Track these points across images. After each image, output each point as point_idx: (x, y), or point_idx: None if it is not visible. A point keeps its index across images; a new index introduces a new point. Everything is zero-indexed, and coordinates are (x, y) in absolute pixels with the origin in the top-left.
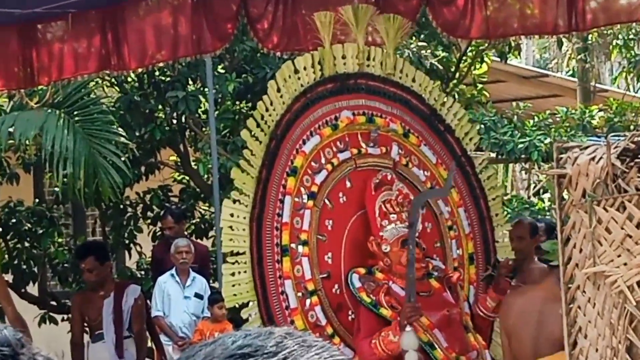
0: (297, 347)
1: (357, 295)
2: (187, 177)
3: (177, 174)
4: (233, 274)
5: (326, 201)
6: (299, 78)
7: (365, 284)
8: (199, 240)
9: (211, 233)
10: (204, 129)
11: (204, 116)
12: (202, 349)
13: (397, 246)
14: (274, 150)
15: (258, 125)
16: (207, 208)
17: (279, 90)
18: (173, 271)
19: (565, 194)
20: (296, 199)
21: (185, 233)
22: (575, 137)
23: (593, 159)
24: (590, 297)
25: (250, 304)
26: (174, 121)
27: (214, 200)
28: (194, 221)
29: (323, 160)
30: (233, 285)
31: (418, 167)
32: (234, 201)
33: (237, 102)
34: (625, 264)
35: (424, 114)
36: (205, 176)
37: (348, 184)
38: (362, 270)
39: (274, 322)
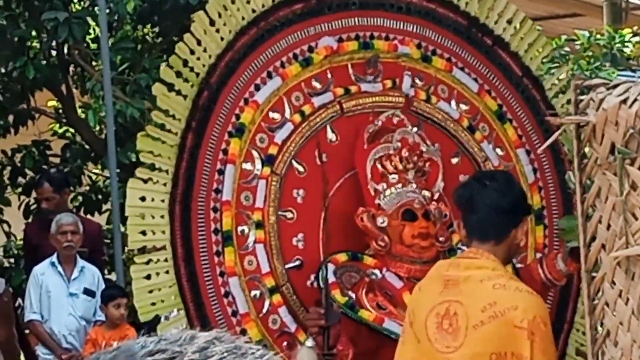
0: (227, 354)
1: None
2: (72, 130)
3: (58, 125)
4: (148, 277)
5: (294, 165)
6: (248, 1)
7: (344, 276)
8: (88, 217)
9: (106, 206)
10: (94, 63)
11: (93, 46)
12: (100, 357)
13: (397, 218)
14: (207, 106)
15: (179, 75)
16: (99, 172)
17: (212, 22)
18: (54, 258)
19: (587, 150)
20: (244, 167)
21: (70, 206)
22: (601, 71)
23: (625, 101)
24: (621, 290)
25: (174, 313)
26: (53, 53)
27: (108, 160)
28: (81, 190)
29: (287, 110)
30: (150, 292)
31: (447, 101)
32: (145, 181)
33: (139, 27)
34: None
35: (459, 27)
36: (97, 128)
37: (331, 137)
38: (343, 257)
39: None
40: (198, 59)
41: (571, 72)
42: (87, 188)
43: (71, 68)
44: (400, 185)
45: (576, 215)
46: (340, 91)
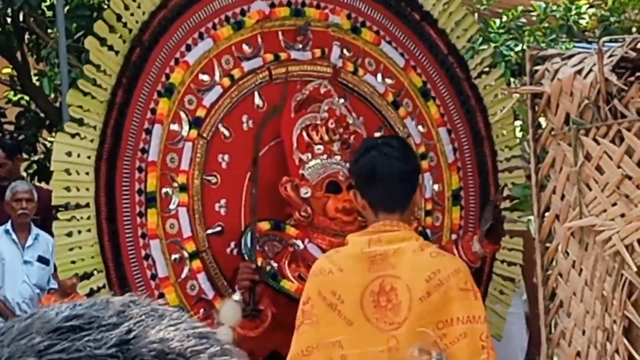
0: (144, 317)
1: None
2: (27, 97)
3: (13, 92)
4: (70, 234)
5: (221, 129)
6: None
7: (266, 244)
8: (42, 185)
9: None
10: (49, 30)
11: (49, 13)
12: (14, 325)
13: (320, 189)
14: (138, 63)
15: (112, 30)
16: (54, 139)
17: None
18: (8, 226)
19: (541, 120)
20: (172, 128)
21: (24, 174)
22: (557, 43)
23: (579, 72)
24: (575, 260)
25: (96, 273)
26: (8, 20)
27: (63, 128)
28: (35, 157)
29: (217, 73)
30: (71, 250)
31: (374, 74)
32: (72, 135)
33: None
34: (622, 216)
35: (389, 0)
36: (52, 95)
37: (258, 103)
38: (266, 226)
39: None
40: (132, 14)
41: (527, 44)
42: (42, 156)
43: (26, 35)
44: (325, 156)
45: (530, 185)
46: (270, 57)
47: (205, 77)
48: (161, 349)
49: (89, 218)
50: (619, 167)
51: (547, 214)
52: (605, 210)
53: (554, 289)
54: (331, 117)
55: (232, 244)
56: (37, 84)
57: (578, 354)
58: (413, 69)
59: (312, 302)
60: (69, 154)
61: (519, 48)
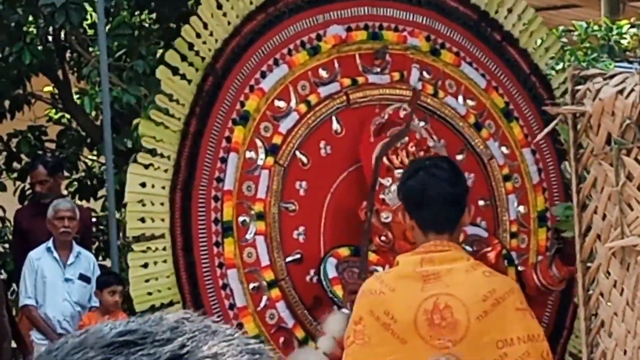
0: (197, 332)
1: (329, 290)
2: (68, 116)
3: (54, 110)
4: (146, 266)
5: (298, 155)
6: None
7: (346, 271)
8: (83, 203)
9: (101, 192)
10: (90, 49)
11: (90, 32)
12: (68, 340)
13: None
14: (212, 92)
15: (184, 59)
16: (95, 157)
17: (219, 5)
18: (50, 244)
19: (583, 140)
20: (247, 156)
21: (65, 192)
22: (598, 62)
23: (621, 92)
24: (616, 280)
25: (172, 304)
26: (50, 39)
27: (104, 147)
28: (76, 176)
29: (293, 99)
30: (147, 281)
31: (455, 96)
32: (146, 166)
33: (137, 13)
34: None
35: (469, 21)
36: (93, 114)
37: (336, 129)
38: (345, 252)
39: None
40: (204, 42)
41: (568, 63)
42: (83, 174)
43: (68, 54)
44: None
45: (572, 205)
46: (347, 82)
47: (281, 104)
48: None
49: (164, 249)
50: None
51: (588, 234)
52: None
53: (595, 309)
54: (411, 140)
55: (312, 272)
56: (79, 102)
57: None
58: (495, 89)
59: (365, 322)
60: (142, 184)
61: (560, 67)
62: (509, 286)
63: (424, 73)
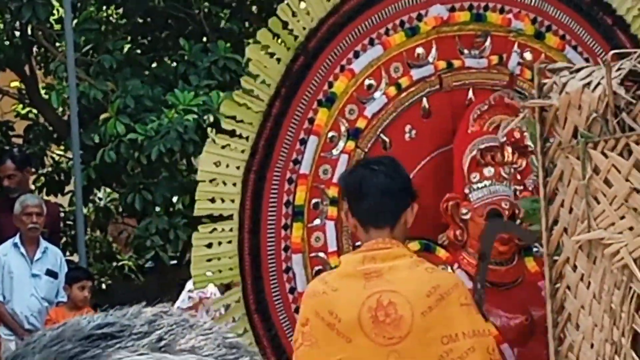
0: (175, 326)
1: None
2: (35, 111)
3: (21, 106)
4: (210, 246)
5: (383, 138)
6: None
7: None
8: (50, 198)
9: (68, 187)
10: (57, 44)
11: (57, 27)
12: (46, 333)
13: (481, 215)
14: (300, 72)
15: (276, 37)
16: (62, 152)
17: None
18: (17, 239)
19: (550, 134)
20: (329, 139)
21: (32, 187)
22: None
23: (588, 85)
24: (583, 273)
25: (233, 288)
26: (17, 34)
27: (71, 141)
28: (44, 171)
29: (383, 82)
30: (209, 260)
31: None
32: (223, 146)
33: (104, 8)
34: (631, 229)
35: (580, 3)
36: (60, 109)
37: (423, 113)
38: (415, 247)
39: (268, 313)
40: (298, 21)
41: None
42: (50, 169)
43: (34, 49)
44: (494, 180)
45: (539, 198)
46: (442, 64)
47: (370, 86)
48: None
49: (231, 230)
50: (627, 180)
51: (555, 227)
52: (613, 224)
53: (562, 302)
54: (509, 138)
55: None
56: (46, 97)
57: None
58: None
59: (311, 324)
60: (217, 164)
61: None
62: (453, 281)
63: (523, 57)
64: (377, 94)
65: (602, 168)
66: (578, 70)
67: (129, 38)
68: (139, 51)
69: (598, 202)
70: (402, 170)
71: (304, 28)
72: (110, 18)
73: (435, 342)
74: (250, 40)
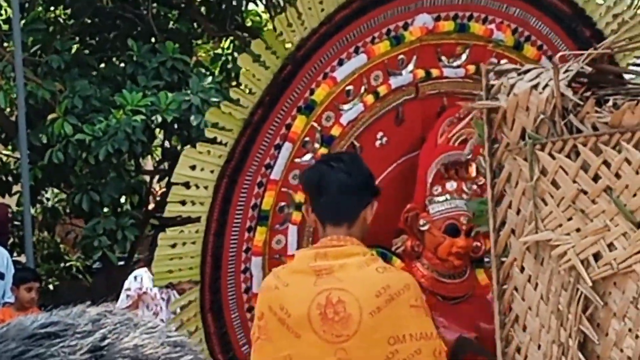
0: (119, 325)
1: None
2: None
3: None
4: (174, 246)
5: (354, 144)
6: None
7: None
8: None
9: (16, 187)
10: (5, 44)
11: (5, 27)
12: None
13: (439, 229)
14: (285, 80)
15: (268, 48)
16: (10, 153)
17: None
18: None
19: (497, 135)
20: (302, 145)
21: None
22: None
23: (535, 87)
24: (530, 275)
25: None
26: None
27: (19, 141)
28: None
29: (363, 89)
30: (170, 259)
31: None
32: (200, 152)
33: (52, 8)
34: (578, 230)
35: (562, 15)
36: (8, 109)
37: (396, 120)
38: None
39: (221, 312)
40: (293, 31)
41: None
42: None
43: None
44: (455, 194)
45: (486, 200)
46: (421, 73)
47: (349, 94)
48: (135, 356)
49: (197, 232)
50: (574, 181)
51: (502, 228)
52: (560, 225)
53: (509, 303)
54: (475, 154)
55: None
56: None
57: None
58: None
59: (265, 318)
60: (192, 167)
61: None
62: (404, 282)
63: None
64: (354, 102)
65: (550, 169)
66: (526, 71)
67: (77, 38)
68: (87, 51)
69: (545, 204)
70: (362, 166)
71: (297, 36)
72: (59, 18)
73: (382, 342)
74: (199, 41)
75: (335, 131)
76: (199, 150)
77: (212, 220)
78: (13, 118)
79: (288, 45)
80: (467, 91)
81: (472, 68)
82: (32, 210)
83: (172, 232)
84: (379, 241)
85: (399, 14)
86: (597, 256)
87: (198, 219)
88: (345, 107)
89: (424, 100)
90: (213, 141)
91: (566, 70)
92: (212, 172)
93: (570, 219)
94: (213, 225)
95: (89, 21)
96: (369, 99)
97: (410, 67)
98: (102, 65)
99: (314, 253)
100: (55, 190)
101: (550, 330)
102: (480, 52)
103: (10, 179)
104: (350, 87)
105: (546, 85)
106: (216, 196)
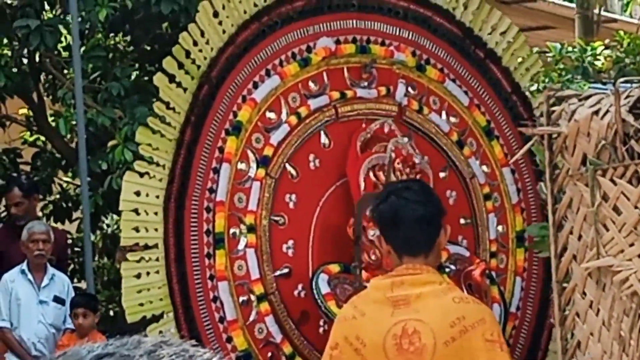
0: (175, 357)
1: (324, 306)
2: (43, 138)
3: (29, 133)
4: (139, 276)
5: (288, 168)
6: None
7: (338, 287)
8: (58, 225)
9: (76, 214)
10: (65, 71)
11: (65, 54)
12: None
13: (378, 239)
14: (206, 100)
15: (181, 67)
16: (70, 179)
17: (215, 14)
18: (24, 266)
19: (558, 161)
20: (239, 167)
21: (40, 214)
22: (572, 83)
23: (596, 113)
24: (592, 300)
25: (165, 316)
26: (25, 61)
27: (79, 168)
28: (51, 198)
29: (284, 111)
30: (139, 292)
31: (439, 113)
32: (141, 175)
33: (112, 35)
34: None
35: (454, 37)
36: (68, 136)
37: (324, 142)
38: (336, 268)
39: (200, 340)
40: (200, 51)
41: (543, 84)
42: (58, 196)
43: (42, 76)
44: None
45: (547, 225)
46: (336, 95)
47: (272, 115)
48: None
49: (157, 259)
50: (636, 207)
51: (564, 254)
52: (622, 251)
53: (571, 329)
54: (398, 156)
55: (300, 286)
56: (53, 124)
57: None
58: (477, 107)
59: (340, 348)
60: (137, 193)
61: (534, 88)
62: (480, 315)
63: (409, 89)
64: (280, 123)
65: (611, 195)
66: (587, 97)
67: (137, 65)
68: (146, 78)
69: (607, 230)
70: (432, 194)
71: (205, 58)
72: (118, 45)
73: None
74: None
75: (268, 151)
76: (140, 173)
77: (169, 245)
78: (73, 145)
79: (199, 64)
80: (385, 112)
81: (383, 90)
82: (92, 237)
83: (133, 260)
84: (339, 257)
85: (300, 37)
86: None
87: (156, 246)
88: (271, 127)
89: (346, 122)
90: (150, 160)
91: (627, 96)
92: (157, 197)
93: (632, 244)
94: (172, 251)
95: (148, 48)
96: (292, 119)
97: (325, 89)
98: None
99: (390, 282)
100: (115, 217)
101: (612, 356)
102: (387, 75)
103: (70, 205)
104: (271, 109)
105: (607, 111)
106: (167, 221)
